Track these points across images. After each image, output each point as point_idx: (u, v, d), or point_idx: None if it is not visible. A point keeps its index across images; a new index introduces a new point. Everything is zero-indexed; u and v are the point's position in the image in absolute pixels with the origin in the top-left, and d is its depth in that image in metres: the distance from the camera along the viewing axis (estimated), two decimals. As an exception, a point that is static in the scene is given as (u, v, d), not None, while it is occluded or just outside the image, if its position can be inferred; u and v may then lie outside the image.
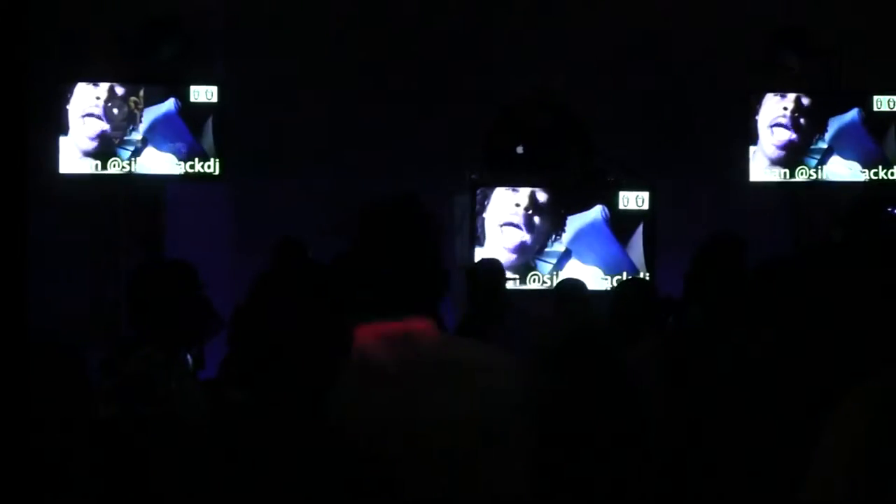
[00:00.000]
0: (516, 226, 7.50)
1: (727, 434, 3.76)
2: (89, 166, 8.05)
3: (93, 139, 8.07)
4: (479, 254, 7.45)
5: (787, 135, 8.34)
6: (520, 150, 7.91)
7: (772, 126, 8.35)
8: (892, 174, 8.30)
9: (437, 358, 2.47)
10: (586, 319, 6.20)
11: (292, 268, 2.40)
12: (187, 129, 8.11)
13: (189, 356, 4.77)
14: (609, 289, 7.21)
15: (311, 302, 2.33)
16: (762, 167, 8.31)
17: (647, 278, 7.33)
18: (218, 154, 8.14)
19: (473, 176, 7.66)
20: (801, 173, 8.32)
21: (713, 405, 3.92)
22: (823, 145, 8.35)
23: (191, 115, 8.13)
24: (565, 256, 7.52)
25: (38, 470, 2.64)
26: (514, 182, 7.58)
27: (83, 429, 3.08)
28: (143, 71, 8.35)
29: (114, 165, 8.07)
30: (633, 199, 7.51)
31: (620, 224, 7.54)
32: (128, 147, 8.10)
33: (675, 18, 8.91)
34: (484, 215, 7.50)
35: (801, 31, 8.59)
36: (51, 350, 3.33)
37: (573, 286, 6.88)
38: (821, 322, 3.72)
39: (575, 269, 7.49)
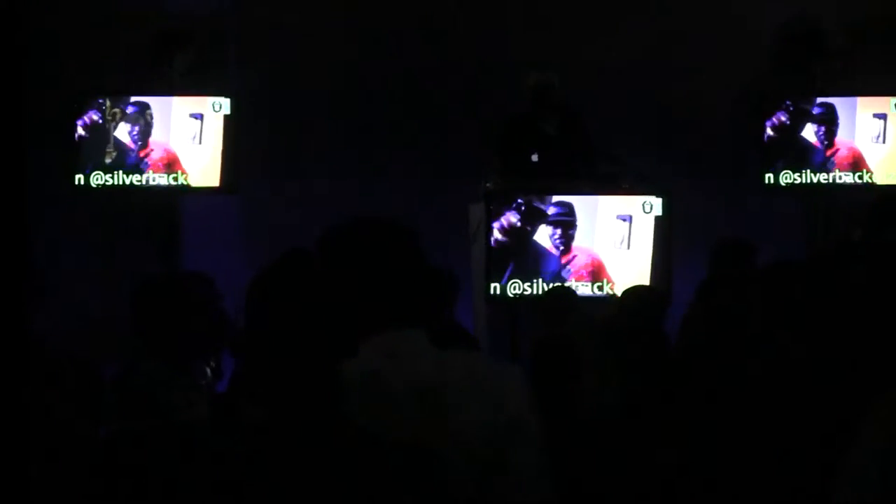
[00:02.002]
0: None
1: (756, 438, 3.73)
2: (105, 178, 8.06)
3: (108, 151, 8.09)
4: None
5: (801, 137, 8.30)
6: (535, 157, 7.89)
7: (786, 128, 8.31)
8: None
9: (435, 379, 2.41)
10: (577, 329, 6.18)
11: (291, 275, 2.37)
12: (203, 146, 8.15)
13: (208, 368, 4.74)
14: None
15: (312, 310, 2.30)
16: (777, 170, 8.27)
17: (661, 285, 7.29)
18: (232, 164, 8.14)
19: (488, 184, 7.64)
20: (817, 175, 8.28)
21: (740, 409, 3.88)
22: (838, 147, 8.32)
23: (205, 126, 8.13)
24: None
25: (42, 483, 2.63)
26: (529, 190, 7.55)
27: (88, 443, 3.06)
28: (156, 83, 8.37)
29: (129, 177, 8.08)
30: (648, 205, 7.46)
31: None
32: (143, 159, 8.11)
33: (689, 21, 8.88)
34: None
35: (817, 33, 8.55)
36: (67, 364, 3.31)
37: (566, 295, 6.83)
38: (852, 323, 3.69)
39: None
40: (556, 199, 7.44)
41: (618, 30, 8.85)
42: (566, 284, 7.20)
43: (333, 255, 2.50)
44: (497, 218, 7.39)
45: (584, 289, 7.33)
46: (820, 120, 8.31)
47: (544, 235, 7.42)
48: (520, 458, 2.37)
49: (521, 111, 8.00)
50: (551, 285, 7.20)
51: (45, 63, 7.87)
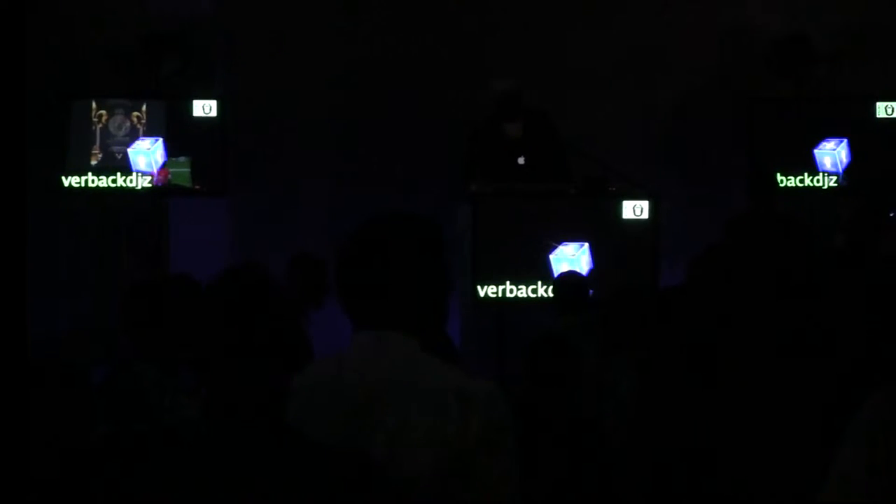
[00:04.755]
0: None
1: (741, 435, 3.75)
2: (92, 181, 8.05)
3: (95, 154, 8.08)
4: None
5: (789, 142, 8.34)
6: (521, 160, 7.89)
7: (773, 133, 8.34)
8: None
9: (403, 379, 2.41)
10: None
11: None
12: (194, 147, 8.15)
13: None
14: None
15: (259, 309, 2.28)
16: (764, 174, 8.30)
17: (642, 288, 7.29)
18: (219, 168, 8.14)
19: (474, 187, 7.63)
20: (803, 180, 8.32)
21: (726, 409, 3.90)
22: (825, 152, 8.35)
23: (192, 129, 8.13)
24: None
25: (34, 487, 2.62)
26: (514, 193, 7.55)
27: (79, 447, 3.06)
28: (144, 86, 8.36)
29: (116, 180, 8.07)
30: (635, 209, 7.47)
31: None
32: (130, 162, 8.11)
33: (678, 27, 8.90)
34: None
35: (803, 39, 8.58)
36: (53, 368, 3.31)
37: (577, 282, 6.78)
38: (839, 327, 3.71)
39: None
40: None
41: (606, 32, 8.87)
42: (575, 271, 7.14)
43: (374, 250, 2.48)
44: None
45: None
46: (808, 124, 8.34)
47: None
48: (486, 471, 2.38)
49: (485, 117, 7.97)
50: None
51: (32, 64, 7.85)
